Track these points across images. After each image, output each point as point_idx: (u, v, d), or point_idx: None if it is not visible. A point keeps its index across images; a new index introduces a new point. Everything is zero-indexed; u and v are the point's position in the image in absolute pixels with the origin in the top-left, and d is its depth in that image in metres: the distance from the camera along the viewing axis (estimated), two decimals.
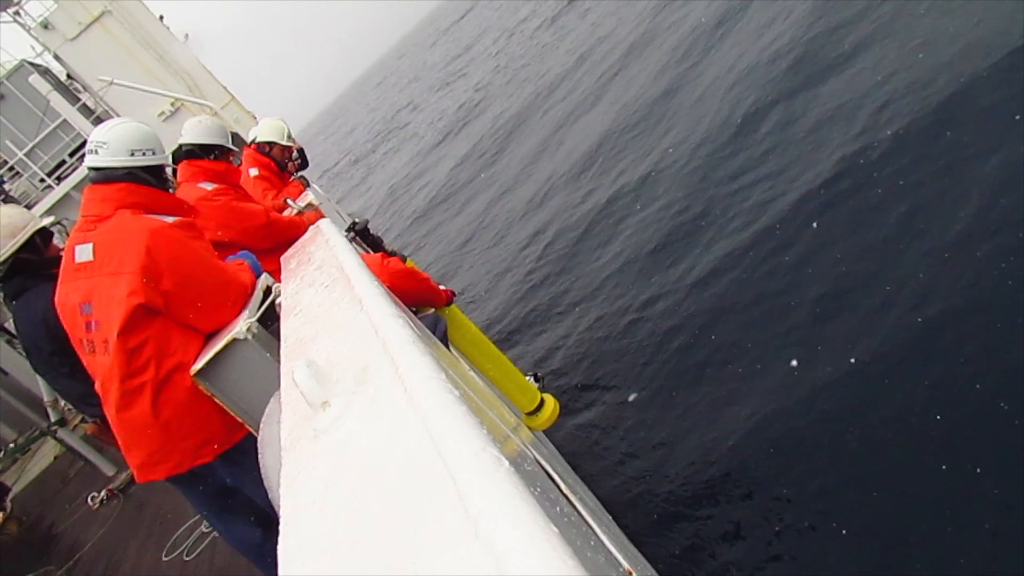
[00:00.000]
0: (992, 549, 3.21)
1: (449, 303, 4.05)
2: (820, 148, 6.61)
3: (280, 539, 0.90)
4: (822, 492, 3.93)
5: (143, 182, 2.72)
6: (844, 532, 3.69)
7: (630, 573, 1.95)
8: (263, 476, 1.75)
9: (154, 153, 2.78)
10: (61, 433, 8.80)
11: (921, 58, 6.28)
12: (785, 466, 4.24)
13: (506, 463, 0.72)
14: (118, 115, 12.09)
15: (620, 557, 2.06)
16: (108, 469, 8.06)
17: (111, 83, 10.07)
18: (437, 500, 0.70)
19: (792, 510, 4.01)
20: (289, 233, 3.89)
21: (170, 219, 2.65)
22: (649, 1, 15.44)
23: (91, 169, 2.74)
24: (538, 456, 2.40)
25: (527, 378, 4.44)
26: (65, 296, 2.61)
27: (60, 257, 2.74)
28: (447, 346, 3.28)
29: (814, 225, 5.67)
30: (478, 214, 13.38)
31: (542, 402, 4.37)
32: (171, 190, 2.91)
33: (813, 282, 5.15)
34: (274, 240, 3.79)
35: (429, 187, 18.94)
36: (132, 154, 2.71)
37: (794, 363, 4.73)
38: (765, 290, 5.51)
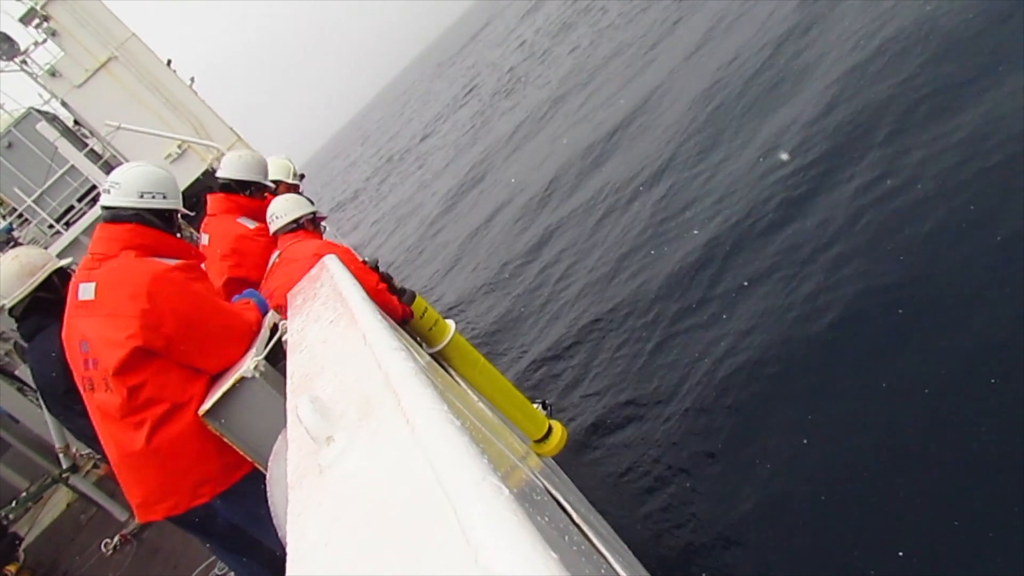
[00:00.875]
0: None
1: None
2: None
3: (287, 573, 0.90)
4: (855, 541, 3.83)
5: (150, 224, 2.75)
6: None
7: None
8: (272, 513, 1.75)
9: (165, 197, 2.81)
10: (73, 480, 8.79)
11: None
12: (804, 497, 4.17)
13: (506, 491, 0.72)
14: (126, 159, 12.27)
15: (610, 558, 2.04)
16: (121, 514, 8.03)
17: (118, 128, 10.24)
18: (439, 530, 0.70)
19: (814, 549, 3.94)
20: None
21: (172, 261, 2.68)
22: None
23: (103, 208, 2.78)
24: (548, 485, 2.39)
25: (535, 406, 4.43)
26: (68, 332, 2.64)
27: None
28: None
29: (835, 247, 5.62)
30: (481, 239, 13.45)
31: (550, 429, 4.35)
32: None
33: (842, 302, 5.08)
34: None
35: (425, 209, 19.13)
36: (142, 196, 2.74)
37: (819, 389, 4.68)
38: (790, 313, 5.44)
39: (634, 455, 5.47)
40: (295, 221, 3.90)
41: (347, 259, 3.75)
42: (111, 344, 2.47)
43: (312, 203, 4.76)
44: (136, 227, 2.72)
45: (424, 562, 0.69)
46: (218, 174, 4.30)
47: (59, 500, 10.58)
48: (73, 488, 8.86)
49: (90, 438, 3.75)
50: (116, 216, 2.74)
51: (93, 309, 2.55)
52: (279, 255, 3.79)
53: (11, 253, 3.43)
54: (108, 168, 12.37)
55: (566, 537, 1.38)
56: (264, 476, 2.30)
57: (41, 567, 8.35)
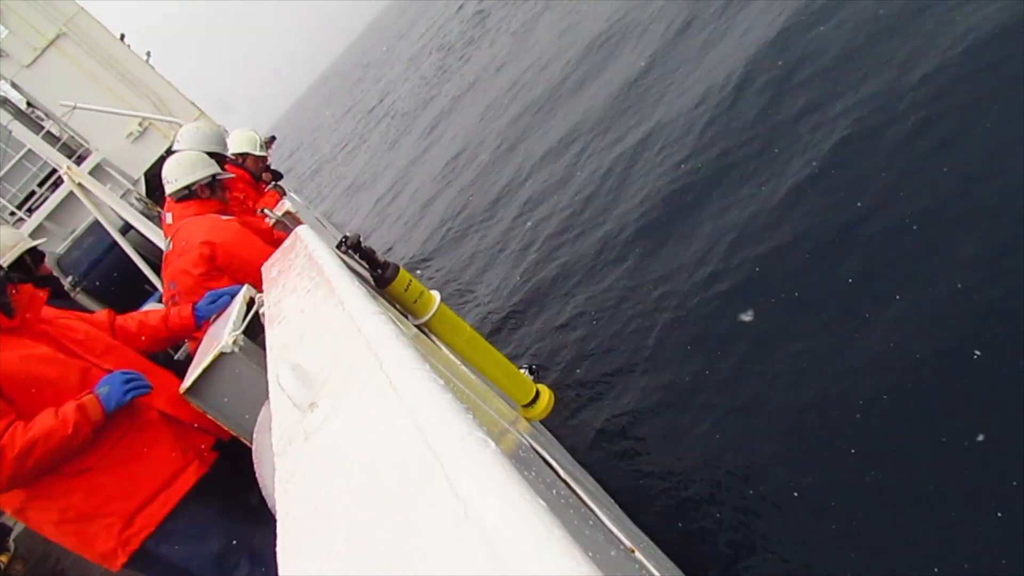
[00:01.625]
0: None
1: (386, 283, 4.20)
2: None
3: (278, 541, 0.90)
4: (832, 481, 3.88)
5: None
6: (855, 512, 3.67)
7: (632, 551, 1.97)
8: (260, 484, 1.75)
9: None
10: None
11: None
12: (790, 452, 4.22)
13: (492, 445, 0.73)
14: (85, 140, 11.98)
15: (622, 536, 2.08)
16: None
17: (74, 108, 9.95)
18: (427, 486, 0.71)
19: (800, 499, 4.00)
20: None
21: None
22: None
23: None
24: (535, 444, 2.42)
25: (522, 371, 4.46)
26: None
27: (51, 276, 2.72)
28: None
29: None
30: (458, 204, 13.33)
31: (537, 394, 4.39)
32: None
33: (844, 258, 4.85)
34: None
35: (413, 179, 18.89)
36: None
37: (803, 347, 4.65)
38: (777, 263, 5.37)
39: (619, 413, 5.51)
40: (187, 187, 3.76)
41: (238, 239, 3.68)
42: None
43: (262, 172, 4.58)
44: None
45: (414, 518, 0.69)
46: (175, 147, 4.23)
47: None
48: None
49: None
50: None
51: None
52: (171, 241, 3.73)
53: None
54: (68, 151, 12.05)
55: (553, 491, 1.40)
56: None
57: (32, 556, 8.32)
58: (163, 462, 2.57)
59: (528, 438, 2.78)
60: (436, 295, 3.97)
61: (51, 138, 12.15)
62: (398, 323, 1.78)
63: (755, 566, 3.91)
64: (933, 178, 4.67)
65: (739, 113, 7.29)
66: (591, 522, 1.56)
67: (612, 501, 4.29)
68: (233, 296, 2.71)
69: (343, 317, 1.45)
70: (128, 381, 2.43)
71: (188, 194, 3.77)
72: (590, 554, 0.55)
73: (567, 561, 0.51)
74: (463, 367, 3.62)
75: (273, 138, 9.61)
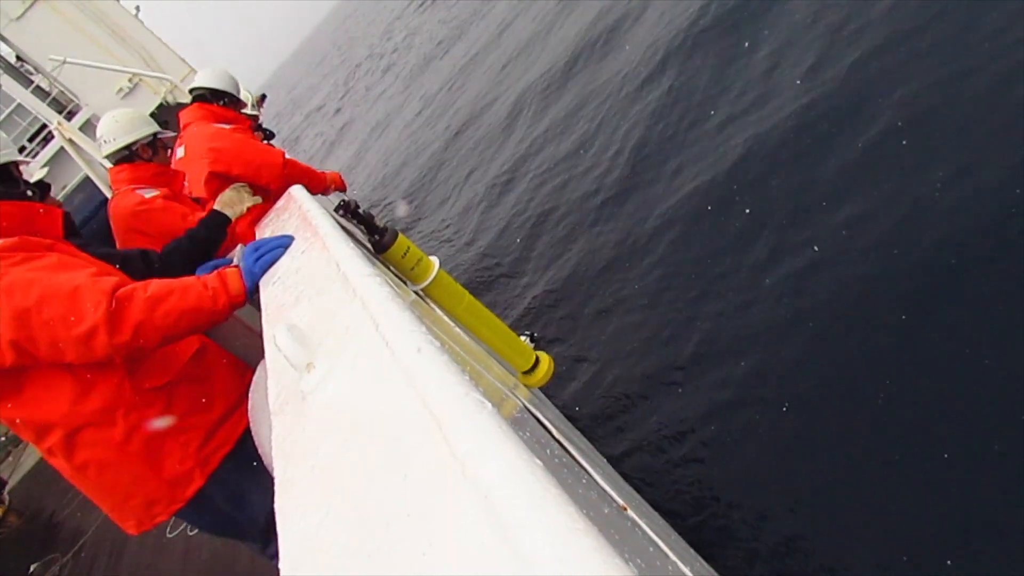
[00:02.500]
0: None
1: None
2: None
3: (276, 499, 0.91)
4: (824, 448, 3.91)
5: None
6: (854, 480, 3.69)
7: (625, 508, 2.01)
8: (257, 443, 1.77)
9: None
10: None
11: None
12: (787, 415, 4.24)
13: (489, 406, 0.73)
14: (75, 96, 11.79)
15: (614, 494, 2.12)
16: None
17: (64, 62, 9.76)
18: (425, 446, 0.72)
19: (790, 453, 4.05)
20: (305, 179, 3.81)
21: None
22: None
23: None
24: (530, 407, 2.44)
25: (522, 338, 4.47)
26: None
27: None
28: None
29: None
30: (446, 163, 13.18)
31: (537, 360, 4.41)
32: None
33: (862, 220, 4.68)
34: (289, 182, 3.59)
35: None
36: None
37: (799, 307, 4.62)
38: (776, 218, 5.32)
39: (618, 379, 5.51)
40: (127, 147, 3.37)
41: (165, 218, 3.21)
42: None
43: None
44: None
45: (412, 478, 0.70)
46: (191, 85, 4.16)
47: None
48: None
49: None
50: None
51: None
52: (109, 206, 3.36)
53: None
54: (57, 106, 11.87)
55: (548, 450, 1.42)
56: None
57: (27, 509, 8.44)
58: (231, 384, 2.33)
59: (524, 402, 2.80)
60: (435, 261, 3.96)
61: (41, 92, 11.96)
62: (394, 286, 1.78)
63: (748, 523, 3.99)
64: None
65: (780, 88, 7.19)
66: (584, 481, 1.58)
67: (605, 461, 4.35)
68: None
69: (338, 277, 1.44)
70: (256, 249, 2.13)
71: (128, 155, 3.42)
72: (585, 512, 0.55)
73: (563, 518, 0.52)
74: (462, 334, 3.63)
75: (264, 96, 9.48)
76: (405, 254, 3.83)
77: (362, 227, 3.84)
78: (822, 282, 4.67)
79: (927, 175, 4.46)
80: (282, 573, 0.75)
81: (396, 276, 3.69)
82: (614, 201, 7.22)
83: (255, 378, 1.78)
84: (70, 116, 11.21)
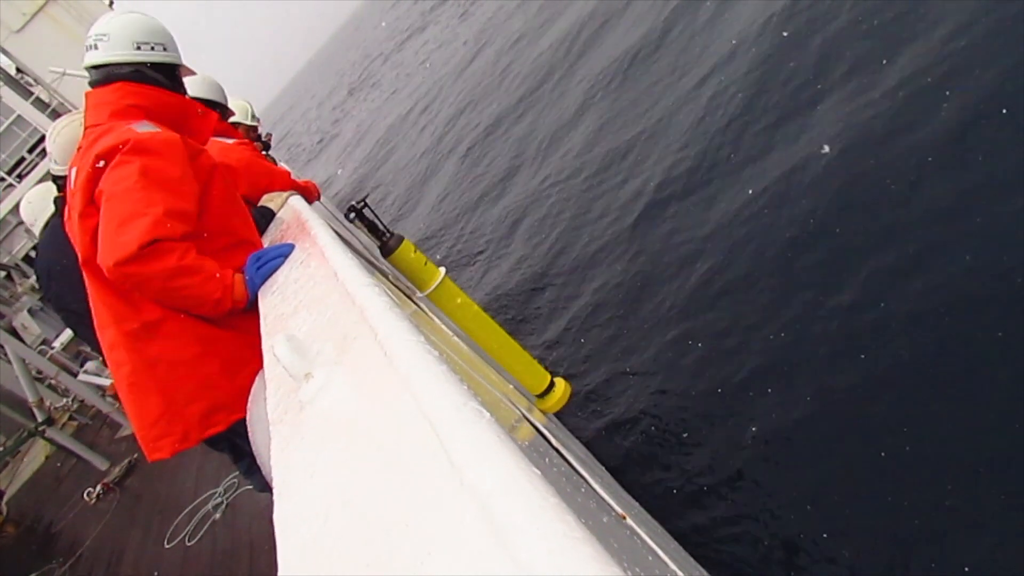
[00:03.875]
0: None
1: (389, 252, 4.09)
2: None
3: (275, 509, 0.91)
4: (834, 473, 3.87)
5: (151, 81, 2.34)
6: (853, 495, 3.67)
7: (624, 517, 2.00)
8: (255, 453, 1.77)
9: (165, 49, 2.39)
10: (50, 432, 8.78)
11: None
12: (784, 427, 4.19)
13: (487, 415, 0.74)
14: (75, 107, 11.81)
15: (613, 502, 2.12)
16: (101, 464, 8.06)
17: (64, 74, 9.81)
18: (423, 455, 0.72)
19: (795, 468, 4.01)
20: (303, 195, 3.82)
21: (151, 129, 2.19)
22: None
23: (89, 69, 2.35)
24: (529, 416, 2.44)
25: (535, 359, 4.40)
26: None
27: None
28: None
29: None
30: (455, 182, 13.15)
31: (552, 384, 4.34)
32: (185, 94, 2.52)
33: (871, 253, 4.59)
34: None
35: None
36: (138, 48, 2.33)
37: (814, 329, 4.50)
38: (795, 247, 5.13)
39: (641, 408, 5.29)
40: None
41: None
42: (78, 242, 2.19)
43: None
44: (125, 85, 2.29)
45: (410, 486, 0.70)
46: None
47: (37, 453, 10.59)
48: (50, 441, 8.86)
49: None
50: (109, 76, 2.31)
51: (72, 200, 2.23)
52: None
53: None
54: (56, 117, 11.89)
55: (546, 459, 1.42)
56: None
57: (25, 519, 8.40)
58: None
59: (522, 410, 2.80)
60: (441, 269, 3.97)
61: (41, 104, 11.99)
62: (394, 297, 1.79)
63: (748, 534, 3.98)
64: None
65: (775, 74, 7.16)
66: (583, 490, 1.58)
67: (604, 469, 4.34)
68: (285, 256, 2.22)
69: (337, 287, 1.45)
70: (258, 259, 2.17)
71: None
72: (583, 520, 0.56)
73: (561, 526, 0.52)
74: (462, 344, 3.60)
75: (270, 135, 9.54)
76: (411, 258, 3.84)
77: (368, 232, 3.86)
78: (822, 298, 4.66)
79: None
80: None
81: (401, 286, 3.70)
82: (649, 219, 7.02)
83: (253, 389, 1.78)
84: None
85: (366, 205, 3.92)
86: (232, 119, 5.61)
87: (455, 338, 3.59)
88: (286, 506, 0.89)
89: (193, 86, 4.10)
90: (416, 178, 15.55)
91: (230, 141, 3.90)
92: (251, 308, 2.08)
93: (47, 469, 10.01)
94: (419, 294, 3.92)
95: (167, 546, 5.19)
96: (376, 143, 22.43)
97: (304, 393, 1.11)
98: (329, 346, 1.20)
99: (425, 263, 3.92)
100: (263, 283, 2.09)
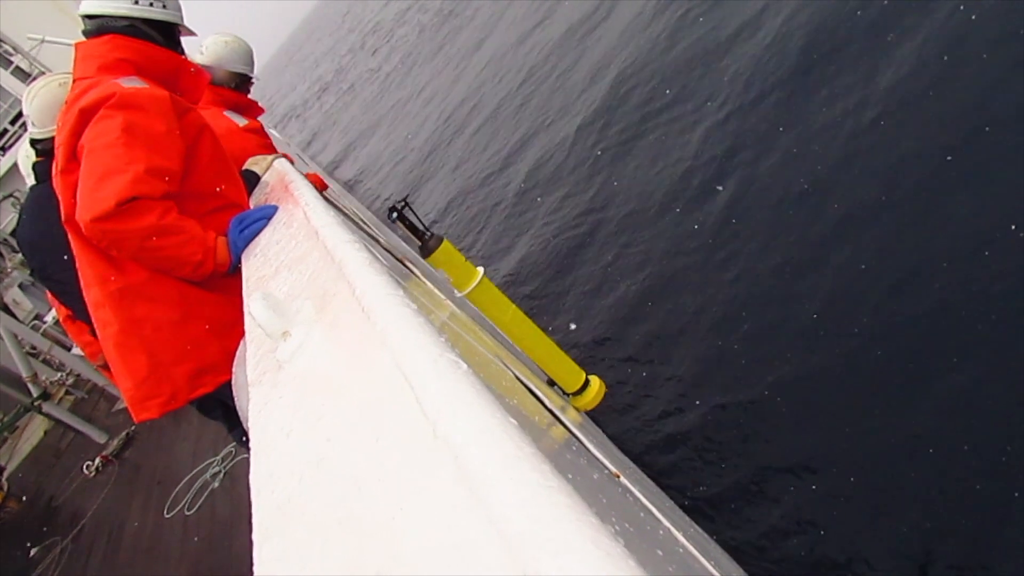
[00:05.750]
0: None
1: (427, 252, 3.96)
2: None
3: (251, 471, 0.89)
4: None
5: (144, 36, 2.27)
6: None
7: (617, 476, 1.99)
8: (242, 418, 1.74)
9: (164, 6, 2.34)
10: (47, 407, 8.78)
11: None
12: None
13: (464, 366, 0.70)
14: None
15: (607, 462, 2.10)
16: (99, 437, 8.08)
17: (43, 41, 9.59)
18: (397, 408, 0.69)
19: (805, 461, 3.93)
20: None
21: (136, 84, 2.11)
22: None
23: (84, 18, 2.28)
24: (585, 439, 2.39)
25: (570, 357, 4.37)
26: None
27: None
28: None
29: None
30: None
31: (587, 382, 4.33)
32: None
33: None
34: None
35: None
36: (137, 1, 2.26)
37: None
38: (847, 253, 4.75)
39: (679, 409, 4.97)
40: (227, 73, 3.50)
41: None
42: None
43: None
44: (116, 38, 2.22)
45: (384, 442, 0.67)
46: (202, 61, 3.74)
47: (35, 428, 10.62)
48: (48, 415, 8.87)
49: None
50: (102, 28, 2.23)
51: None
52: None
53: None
54: None
55: (536, 417, 1.40)
56: None
57: (26, 494, 8.44)
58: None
59: (578, 431, 2.77)
60: (480, 269, 3.97)
61: (21, 74, 11.75)
62: (376, 252, 1.74)
63: (743, 492, 3.99)
64: None
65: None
66: (574, 447, 1.56)
67: (599, 430, 4.35)
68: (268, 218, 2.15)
69: (318, 246, 1.41)
70: (241, 222, 2.12)
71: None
72: (569, 476, 0.53)
73: (536, 476, 0.49)
74: (499, 343, 3.54)
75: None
76: (450, 258, 3.85)
77: (411, 232, 3.84)
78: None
79: None
80: (254, 544, 0.73)
81: (438, 285, 3.66)
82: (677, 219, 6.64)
83: (237, 354, 1.75)
84: None
85: (407, 205, 3.90)
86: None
87: (490, 339, 3.55)
88: (262, 467, 0.86)
89: (214, 53, 3.79)
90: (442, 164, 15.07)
91: (242, 122, 3.70)
92: (237, 271, 2.05)
93: (46, 444, 10.05)
94: (458, 294, 3.92)
95: (167, 516, 5.22)
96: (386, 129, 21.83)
97: (282, 352, 1.08)
98: (308, 304, 1.17)
99: (464, 263, 3.92)
100: (246, 246, 2.05)
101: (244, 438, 2.64)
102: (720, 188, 6.21)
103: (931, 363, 3.76)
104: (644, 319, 5.80)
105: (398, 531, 0.55)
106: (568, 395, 4.29)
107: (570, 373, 4.25)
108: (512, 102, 12.22)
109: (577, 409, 4.26)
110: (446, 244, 3.84)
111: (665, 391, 5.03)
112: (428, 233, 3.84)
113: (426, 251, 3.79)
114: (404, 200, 3.89)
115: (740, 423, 4.40)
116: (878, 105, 5.28)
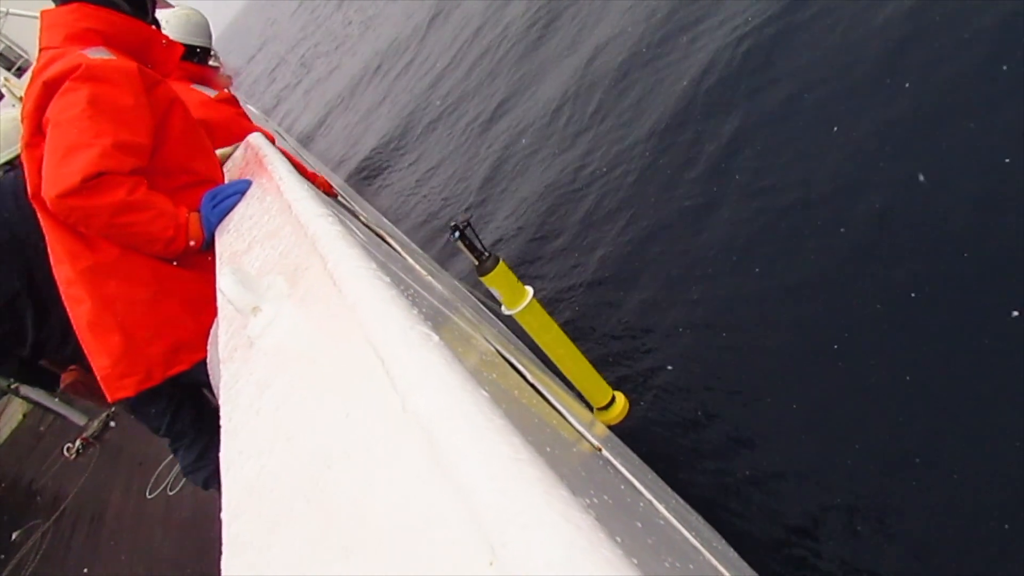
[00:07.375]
0: None
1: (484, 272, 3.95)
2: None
3: (221, 448, 0.87)
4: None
5: (112, 5, 2.19)
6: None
7: (599, 449, 1.99)
8: (217, 396, 1.72)
9: None
10: (24, 390, 8.66)
11: None
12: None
13: (436, 338, 0.69)
14: (23, 50, 11.32)
15: (589, 436, 2.10)
16: (79, 419, 8.00)
17: (7, 14, 9.32)
18: (366, 382, 0.67)
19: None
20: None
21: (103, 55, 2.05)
22: None
23: None
24: (610, 454, 2.36)
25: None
26: None
27: None
28: None
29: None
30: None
31: (613, 399, 4.43)
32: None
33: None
34: None
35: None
36: None
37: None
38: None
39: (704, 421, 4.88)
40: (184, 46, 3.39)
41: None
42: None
43: None
44: (83, 7, 2.14)
45: (353, 417, 0.66)
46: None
47: (14, 412, 10.50)
48: (26, 398, 8.76)
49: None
50: None
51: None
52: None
53: None
54: (5, 62, 11.39)
55: (515, 391, 1.38)
56: None
57: (6, 477, 8.37)
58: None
59: (603, 443, 2.76)
60: (529, 290, 4.02)
61: None
62: (351, 225, 1.71)
63: (725, 460, 3.99)
64: None
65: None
66: (555, 421, 1.55)
67: (585, 406, 4.35)
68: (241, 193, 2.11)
69: (291, 220, 1.38)
70: (213, 197, 2.08)
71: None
72: (548, 449, 0.51)
73: (506, 448, 0.48)
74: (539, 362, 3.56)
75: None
76: (504, 279, 3.89)
77: (470, 252, 3.83)
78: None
79: None
80: (223, 522, 0.71)
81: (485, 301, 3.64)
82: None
83: (211, 332, 1.72)
84: (20, 72, 10.76)
85: (468, 225, 3.89)
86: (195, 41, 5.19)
87: (534, 359, 3.56)
88: (231, 445, 0.84)
89: (173, 27, 3.71)
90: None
91: (212, 93, 3.62)
92: (211, 247, 2.01)
93: (25, 427, 9.94)
94: (506, 312, 3.98)
95: (149, 496, 5.20)
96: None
97: (253, 328, 1.06)
98: (280, 279, 1.14)
99: (515, 284, 3.99)
100: (219, 221, 2.01)
101: (176, 448, 2.64)
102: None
103: (957, 370, 3.65)
104: (658, 311, 5.64)
105: (366, 507, 0.53)
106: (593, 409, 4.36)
107: (599, 389, 4.38)
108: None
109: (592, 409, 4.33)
110: (502, 265, 3.91)
111: (669, 388, 5.01)
112: (486, 253, 3.90)
113: (482, 270, 3.86)
114: (467, 220, 3.90)
115: (740, 422, 4.39)
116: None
